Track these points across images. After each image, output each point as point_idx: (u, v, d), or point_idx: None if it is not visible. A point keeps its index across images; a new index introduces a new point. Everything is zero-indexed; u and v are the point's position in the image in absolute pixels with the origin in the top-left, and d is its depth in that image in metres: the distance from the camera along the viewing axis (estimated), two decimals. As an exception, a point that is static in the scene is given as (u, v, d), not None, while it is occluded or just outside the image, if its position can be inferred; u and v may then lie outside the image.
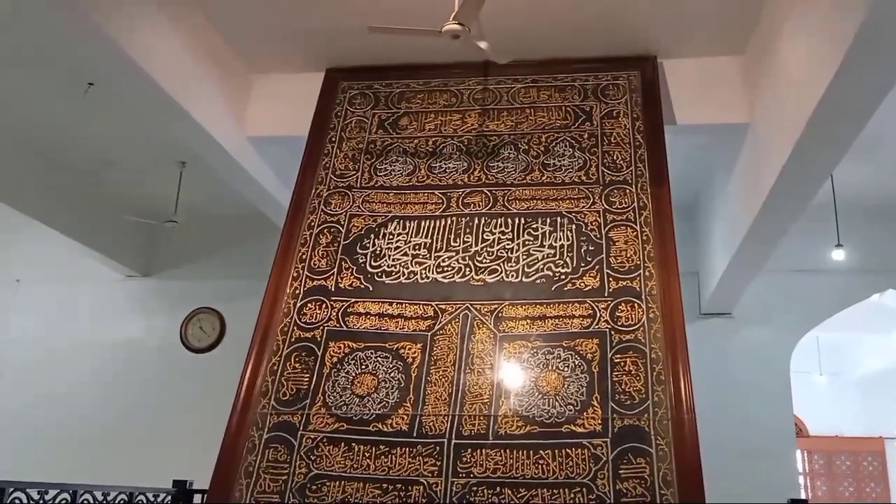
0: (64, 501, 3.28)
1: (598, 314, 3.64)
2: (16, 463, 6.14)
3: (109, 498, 3.65)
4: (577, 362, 3.53)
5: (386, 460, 3.36)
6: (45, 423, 7.32)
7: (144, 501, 3.98)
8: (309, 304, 3.89)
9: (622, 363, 3.49)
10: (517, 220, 4.04)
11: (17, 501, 2.98)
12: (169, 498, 4.25)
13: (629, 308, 3.63)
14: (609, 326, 3.59)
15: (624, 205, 4.00)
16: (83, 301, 7.79)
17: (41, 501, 3.14)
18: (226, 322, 7.68)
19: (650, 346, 3.50)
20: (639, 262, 3.76)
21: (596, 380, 3.46)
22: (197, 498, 4.36)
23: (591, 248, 3.87)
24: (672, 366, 3.43)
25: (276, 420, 3.54)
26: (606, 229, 3.92)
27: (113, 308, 7.74)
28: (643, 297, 3.65)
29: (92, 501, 3.50)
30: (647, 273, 3.72)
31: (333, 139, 4.55)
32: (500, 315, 3.72)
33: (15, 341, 7.74)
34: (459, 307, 3.77)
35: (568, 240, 3.91)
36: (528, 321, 3.69)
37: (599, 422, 3.33)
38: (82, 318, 7.74)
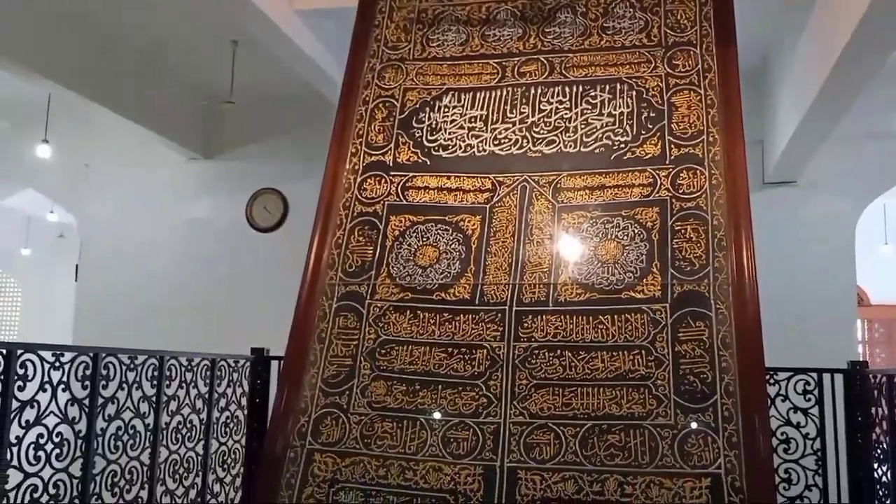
0: (152, 366, 3.55)
1: (659, 182, 3.60)
2: (106, 339, 6.59)
3: (193, 363, 3.92)
4: (636, 231, 3.54)
5: (450, 326, 3.50)
6: (125, 301, 7.78)
7: (226, 367, 4.27)
8: (368, 180, 3.94)
9: (683, 230, 3.48)
10: (575, 89, 3.95)
11: (110, 365, 3.23)
12: (248, 364, 4.55)
13: (691, 175, 3.58)
14: (670, 194, 3.56)
15: (687, 67, 3.85)
16: (150, 184, 8.05)
17: (131, 366, 3.39)
18: (288, 202, 7.88)
19: (712, 212, 3.47)
20: (702, 128, 3.67)
21: (656, 247, 3.47)
22: (274, 364, 4.67)
23: (651, 114, 3.78)
24: (734, 231, 3.40)
25: (344, 290, 3.69)
26: (668, 94, 3.80)
27: (180, 190, 7.99)
28: (706, 163, 3.58)
29: (178, 366, 3.78)
30: (710, 139, 3.64)
31: (383, 9, 4.45)
32: (558, 186, 3.72)
33: (89, 224, 8.11)
34: (517, 179, 3.78)
35: (628, 107, 3.82)
36: (587, 191, 3.68)
37: (659, 288, 3.38)
38: (151, 201, 8.04)
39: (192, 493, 3.92)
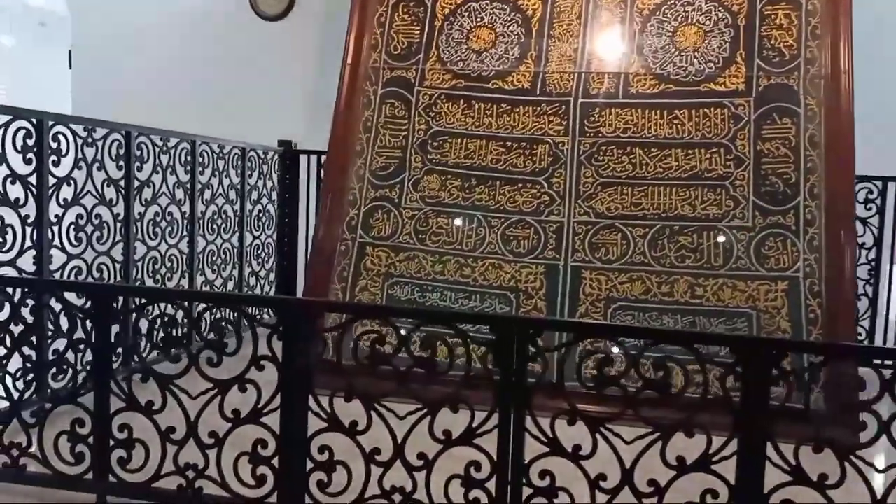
0: (185, 150, 3.29)
1: (750, -40, 3.17)
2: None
3: (225, 150, 3.67)
4: (720, 15, 3.16)
5: (508, 119, 3.21)
6: (127, 89, 7.34)
7: (255, 158, 4.02)
8: (414, -52, 3.46)
9: (773, 16, 3.11)
10: None
11: (143, 146, 2.97)
12: (276, 156, 4.30)
13: (786, -48, 3.14)
14: (760, -24, 3.14)
15: None
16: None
17: (164, 149, 3.14)
18: (296, -13, 7.19)
19: (808, -4, 3.08)
20: None
21: (741, 34, 3.11)
22: (302, 158, 4.42)
23: None
24: (832, 18, 3.04)
25: (390, 75, 3.35)
26: None
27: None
28: (806, -62, 3.13)
29: (209, 153, 3.52)
30: None
31: None
32: (630, -37, 3.27)
33: (82, 5, 7.46)
34: (585, -48, 3.32)
35: None
36: (665, -31, 3.25)
37: (743, 80, 3.06)
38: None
39: (231, 285, 3.83)
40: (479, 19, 3.35)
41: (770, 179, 2.94)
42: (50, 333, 1.77)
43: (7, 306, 1.83)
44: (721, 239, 2.90)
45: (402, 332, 1.67)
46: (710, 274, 2.88)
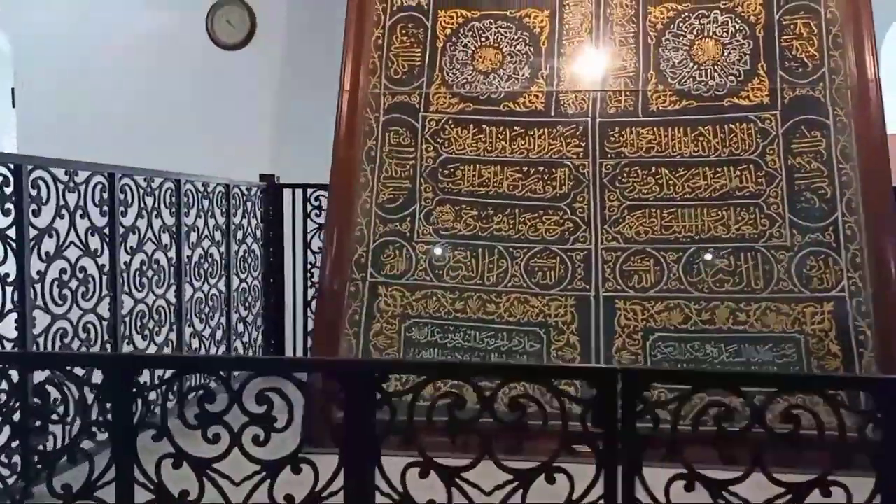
0: (169, 191, 3.00)
1: (761, -31, 3.05)
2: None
3: (209, 189, 3.38)
4: (737, 26, 3.03)
5: (523, 142, 3.01)
6: (77, 127, 6.93)
7: (239, 194, 3.74)
8: (403, -35, 3.26)
9: (792, 25, 2.99)
10: None
11: (126, 189, 2.67)
12: (259, 192, 4.02)
13: (797, -40, 3.04)
14: (774, -16, 3.03)
15: None
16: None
17: (149, 190, 2.84)
18: (255, 15, 6.92)
19: (825, 4, 2.97)
20: None
21: (761, 45, 2.98)
22: (286, 192, 4.14)
23: None
24: (853, 26, 2.93)
25: (392, 101, 3.13)
26: None
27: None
28: (817, -55, 3.03)
29: (194, 192, 3.23)
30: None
31: None
32: (638, -25, 3.13)
33: (24, 41, 7.05)
34: (589, -34, 3.16)
35: None
36: (674, -20, 3.11)
37: (767, 93, 2.93)
38: (96, 13, 6.93)
39: (219, 334, 3.51)
40: (483, 39, 3.16)
41: (805, 195, 2.80)
42: (57, 417, 1.47)
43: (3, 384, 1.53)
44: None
45: (487, 393, 1.42)
46: (752, 298, 2.71)
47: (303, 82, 5.56)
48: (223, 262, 3.53)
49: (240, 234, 3.74)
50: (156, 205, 2.90)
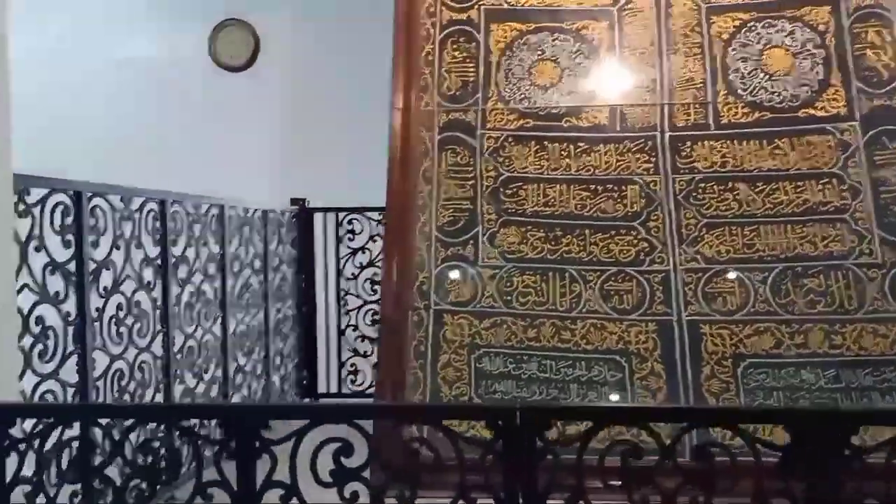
0: (213, 216, 2.81)
1: (826, -22, 2.94)
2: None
3: (249, 213, 3.19)
4: (807, 35, 2.90)
5: (588, 158, 2.86)
6: (75, 150, 6.69)
7: (276, 220, 3.55)
8: (454, -23, 3.11)
9: (863, 34, 2.87)
10: None
11: (176, 216, 2.48)
12: (292, 218, 3.83)
13: (865, -34, 2.93)
14: (843, -8, 2.91)
15: None
16: (92, 14, 6.67)
17: (196, 217, 2.65)
18: (259, 37, 6.75)
19: (897, 12, 2.86)
20: None
21: (833, 55, 2.86)
22: (318, 216, 3.95)
23: None
24: (929, 33, 2.82)
25: (447, 119, 2.96)
26: None
27: (131, 23, 6.69)
28: (887, -51, 2.93)
29: (236, 216, 3.04)
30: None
31: None
32: (698, -15, 3.01)
33: (29, 62, 6.81)
34: (648, -26, 3.04)
35: None
36: (739, -13, 2.99)
37: (843, 104, 2.80)
38: (94, 35, 6.70)
39: (259, 368, 3.31)
40: (539, 52, 3.01)
41: (892, 209, 2.66)
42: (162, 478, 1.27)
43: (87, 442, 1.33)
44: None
45: (666, 440, 1.24)
46: (846, 319, 2.55)
47: (308, 104, 5.41)
48: (261, 290, 3.33)
49: (275, 262, 3.54)
50: (203, 232, 2.70)
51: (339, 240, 3.94)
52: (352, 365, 3.93)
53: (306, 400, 3.91)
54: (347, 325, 3.94)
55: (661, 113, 2.88)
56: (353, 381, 3.92)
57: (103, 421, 1.30)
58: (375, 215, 3.81)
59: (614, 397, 2.50)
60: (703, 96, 2.89)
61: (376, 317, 3.81)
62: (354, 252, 3.90)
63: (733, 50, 2.93)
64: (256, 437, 1.25)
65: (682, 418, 1.23)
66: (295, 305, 3.85)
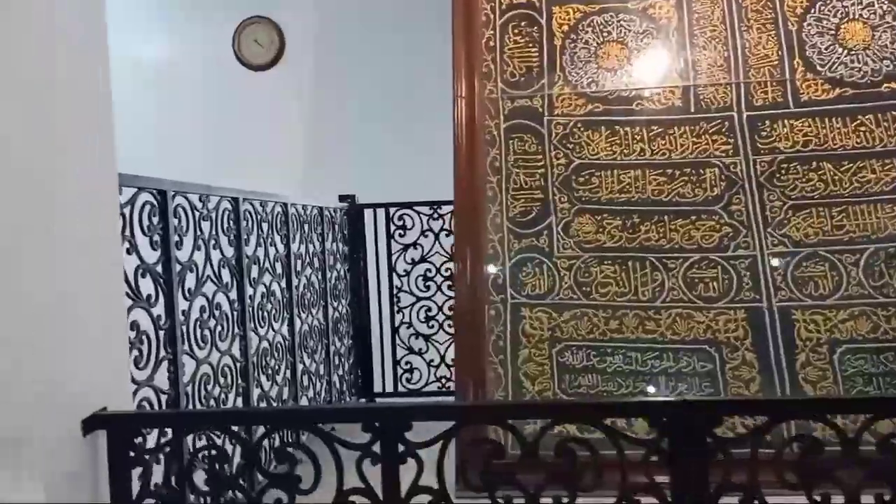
0: (278, 215, 2.73)
1: (906, -55, 2.81)
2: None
3: (307, 212, 3.12)
4: (885, 7, 2.78)
5: (663, 142, 2.75)
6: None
7: (329, 217, 3.47)
8: (512, -40, 3.01)
9: (946, 4, 2.75)
10: None
11: (247, 214, 2.40)
12: (344, 215, 3.75)
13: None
14: (919, -41, 2.79)
15: None
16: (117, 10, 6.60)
17: (264, 215, 2.57)
18: (284, 34, 6.65)
19: (981, -22, 2.74)
20: None
21: (915, 26, 2.74)
22: (367, 213, 3.87)
23: None
24: None
25: (512, 106, 2.87)
26: None
27: (154, 20, 6.60)
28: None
29: (297, 215, 2.97)
30: None
31: None
32: (768, -45, 2.89)
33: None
34: (713, -52, 2.93)
35: None
36: (809, -42, 2.88)
37: (929, 76, 2.68)
38: (117, 34, 6.64)
39: (322, 368, 3.23)
40: (605, 34, 2.91)
41: None
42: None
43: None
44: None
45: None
46: (947, 301, 2.44)
47: (333, 103, 5.33)
48: (320, 289, 3.26)
49: (331, 259, 3.46)
50: (269, 231, 2.63)
51: (389, 236, 3.86)
52: (406, 363, 3.85)
53: (362, 400, 3.83)
54: (401, 323, 3.86)
55: (736, 92, 2.77)
56: (408, 380, 3.85)
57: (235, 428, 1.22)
58: (426, 209, 3.73)
59: (709, 389, 2.40)
60: (780, 73, 2.78)
61: (430, 313, 3.75)
62: (406, 248, 3.82)
63: (808, 24, 2.82)
64: (400, 439, 1.17)
65: (868, 409, 1.13)
66: (349, 303, 3.77)
